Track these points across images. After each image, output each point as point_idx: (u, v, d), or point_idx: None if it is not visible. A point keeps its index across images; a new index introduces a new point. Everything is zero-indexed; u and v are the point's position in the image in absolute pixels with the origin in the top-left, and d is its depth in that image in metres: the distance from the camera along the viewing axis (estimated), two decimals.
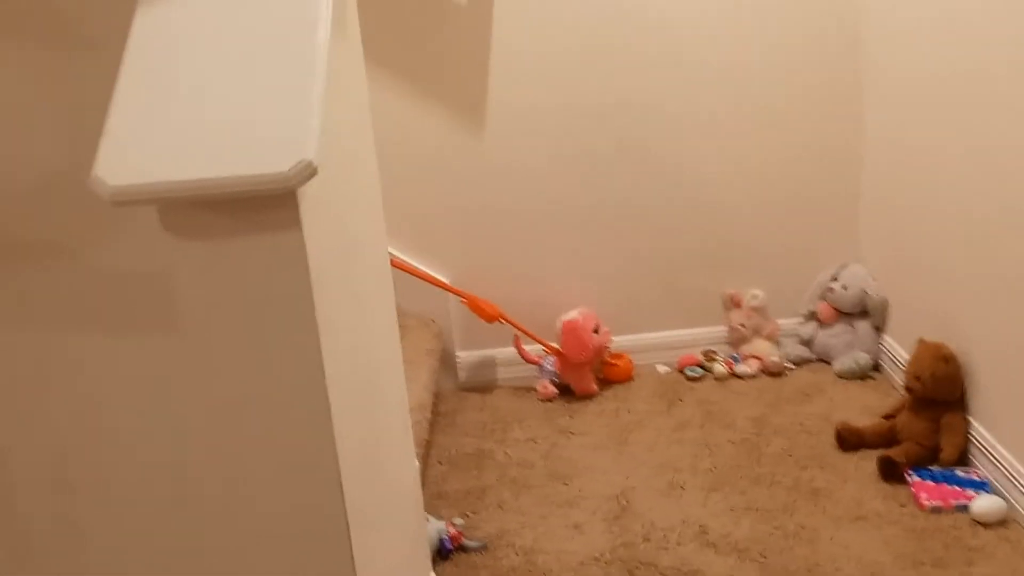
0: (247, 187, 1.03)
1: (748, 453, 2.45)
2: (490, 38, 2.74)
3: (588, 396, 2.84)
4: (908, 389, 2.34)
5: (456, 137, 2.81)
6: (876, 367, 2.82)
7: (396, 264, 2.79)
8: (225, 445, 1.17)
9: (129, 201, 1.04)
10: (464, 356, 2.99)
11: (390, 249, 2.86)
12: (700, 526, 2.18)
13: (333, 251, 1.27)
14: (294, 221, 1.09)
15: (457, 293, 2.87)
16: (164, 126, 1.08)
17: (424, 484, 2.45)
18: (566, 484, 2.40)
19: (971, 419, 2.29)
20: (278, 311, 1.12)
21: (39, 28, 1.36)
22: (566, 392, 2.87)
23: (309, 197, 1.13)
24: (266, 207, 1.08)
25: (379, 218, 1.69)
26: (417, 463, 1.95)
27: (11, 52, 1.38)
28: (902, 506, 2.17)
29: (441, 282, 2.87)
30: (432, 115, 2.79)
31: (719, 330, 2.98)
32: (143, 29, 1.14)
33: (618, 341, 2.95)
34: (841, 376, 2.79)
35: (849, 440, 2.41)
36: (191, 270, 1.11)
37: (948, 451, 2.26)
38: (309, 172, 1.04)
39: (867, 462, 2.35)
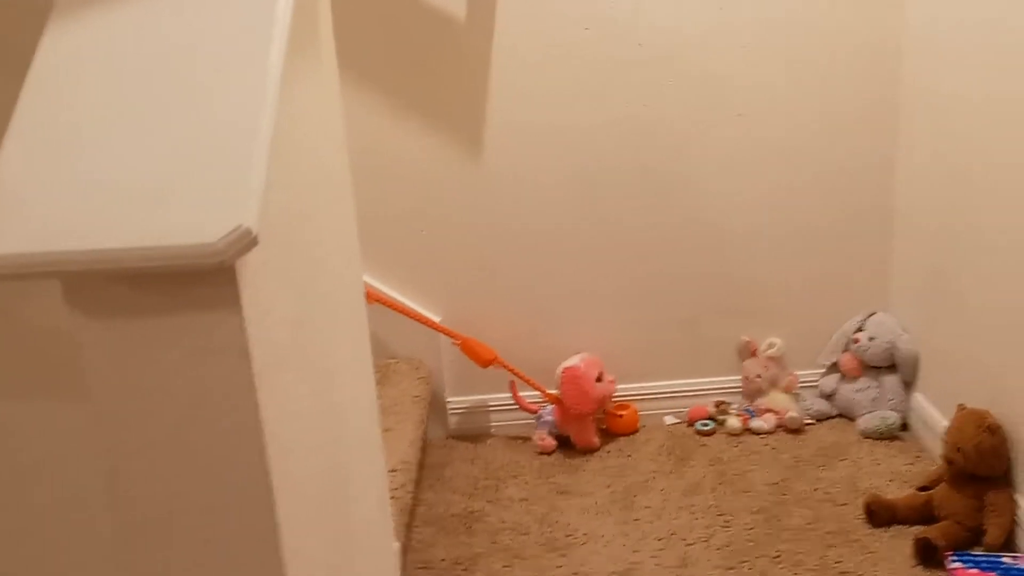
0: (167, 260, 0.80)
1: (768, 525, 2.21)
2: (491, 53, 2.51)
3: (589, 450, 2.59)
4: (948, 461, 2.11)
5: (452, 163, 2.58)
6: (904, 426, 2.58)
7: (384, 301, 2.57)
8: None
9: (13, 275, 0.81)
10: (456, 401, 2.75)
11: (376, 283, 2.63)
12: None
13: (291, 325, 1.03)
14: (230, 299, 0.86)
15: (449, 334, 2.63)
16: (67, 180, 0.84)
17: (408, 550, 2.21)
18: (564, 555, 2.15)
19: (1018, 498, 2.05)
20: (210, 407, 0.89)
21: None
22: (565, 444, 2.62)
23: (254, 266, 0.89)
24: (194, 282, 0.85)
25: (356, 269, 1.46)
26: (397, 545, 1.71)
27: None
28: None
29: (432, 321, 2.63)
30: (427, 137, 2.55)
31: (733, 380, 2.74)
32: (49, 54, 0.91)
33: (623, 389, 2.71)
34: (866, 435, 2.55)
35: (880, 515, 2.17)
36: (101, 351, 0.88)
37: (993, 533, 2.02)
38: (246, 242, 0.80)
39: (900, 540, 2.11)
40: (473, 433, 2.75)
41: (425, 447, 2.67)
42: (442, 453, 2.66)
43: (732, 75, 2.51)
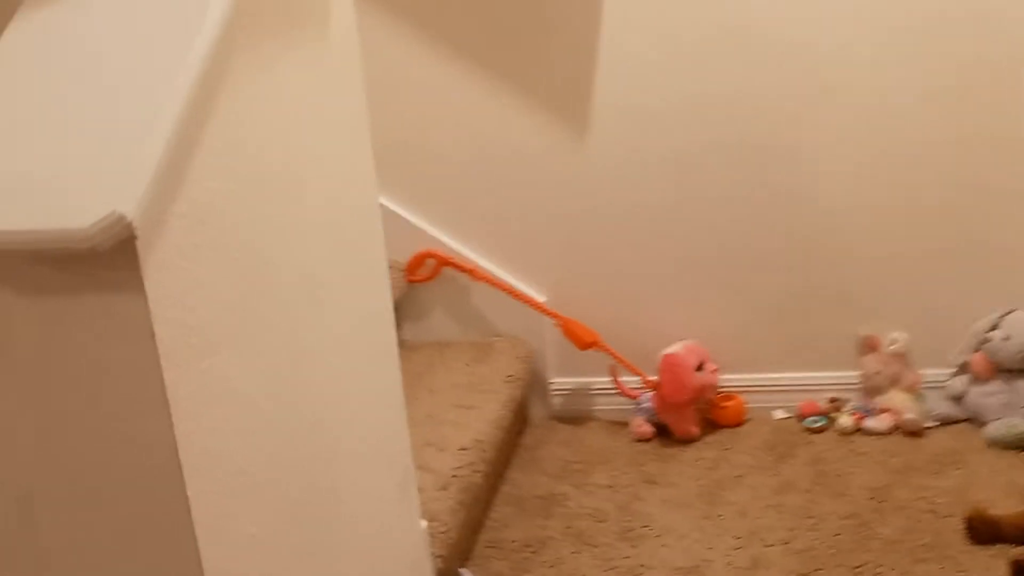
0: (44, 244, 0.84)
1: (856, 533, 2.07)
2: (600, 26, 2.46)
3: (687, 440, 2.52)
4: None
5: (557, 142, 2.55)
6: None
7: (487, 279, 2.59)
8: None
9: None
10: (559, 382, 2.73)
11: (482, 261, 2.65)
12: None
13: (230, 307, 1.06)
14: (131, 281, 0.89)
15: (550, 314, 2.62)
16: None
17: (482, 528, 2.24)
18: (634, 547, 2.11)
19: None
20: (115, 389, 0.93)
21: None
22: (664, 433, 2.56)
23: (178, 248, 0.93)
24: (98, 265, 0.89)
25: (372, 249, 1.47)
26: (424, 523, 1.72)
27: None
28: None
29: (533, 300, 2.62)
30: (530, 115, 2.54)
31: (851, 376, 2.57)
32: None
33: (730, 379, 2.60)
34: (991, 443, 2.33)
35: (982, 531, 1.98)
36: (18, 327, 0.94)
37: None
38: (119, 228, 0.83)
39: (1000, 561, 1.92)
40: (575, 415, 2.73)
41: (524, 427, 2.68)
42: (540, 434, 2.65)
43: (841, 47, 2.35)
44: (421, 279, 2.68)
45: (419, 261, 2.67)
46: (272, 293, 1.15)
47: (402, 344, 2.73)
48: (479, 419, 2.26)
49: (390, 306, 1.53)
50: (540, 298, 2.66)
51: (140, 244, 0.88)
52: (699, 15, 2.39)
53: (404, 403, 1.57)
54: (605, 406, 2.71)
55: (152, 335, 0.91)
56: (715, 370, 2.54)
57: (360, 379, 1.42)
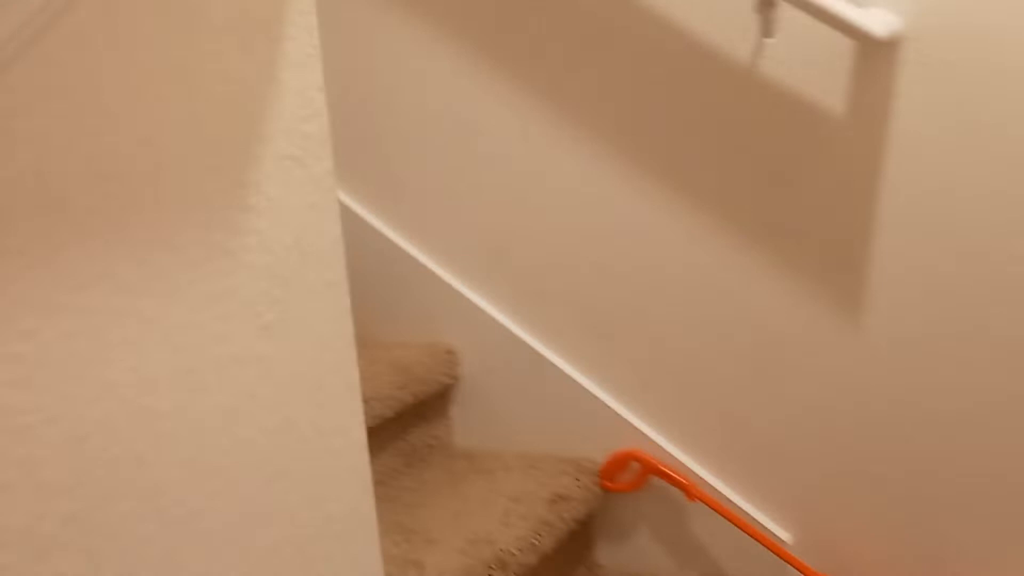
0: None
1: None
2: (883, 163, 1.68)
3: None
4: None
5: (817, 319, 1.78)
6: None
7: (707, 500, 1.87)
8: None
9: None
10: None
11: (706, 475, 1.92)
12: None
13: None
14: None
15: (796, 565, 1.81)
16: None
17: None
18: None
19: None
20: None
21: None
22: None
23: None
24: None
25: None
26: None
27: None
28: None
29: (772, 542, 1.83)
30: (780, 282, 1.79)
31: None
32: None
33: None
34: None
35: None
36: None
37: None
38: None
39: None
40: None
41: None
42: None
43: None
44: (621, 487, 1.98)
45: (620, 463, 1.98)
46: None
47: (595, 570, 2.05)
48: None
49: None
50: (783, 535, 1.86)
51: None
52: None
53: None
54: None
55: None
56: None
57: None
